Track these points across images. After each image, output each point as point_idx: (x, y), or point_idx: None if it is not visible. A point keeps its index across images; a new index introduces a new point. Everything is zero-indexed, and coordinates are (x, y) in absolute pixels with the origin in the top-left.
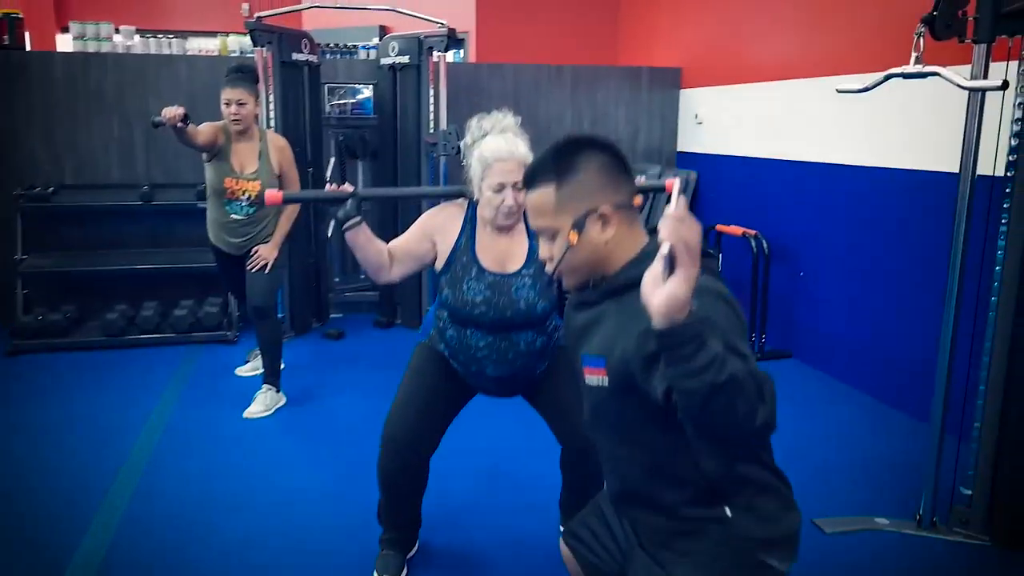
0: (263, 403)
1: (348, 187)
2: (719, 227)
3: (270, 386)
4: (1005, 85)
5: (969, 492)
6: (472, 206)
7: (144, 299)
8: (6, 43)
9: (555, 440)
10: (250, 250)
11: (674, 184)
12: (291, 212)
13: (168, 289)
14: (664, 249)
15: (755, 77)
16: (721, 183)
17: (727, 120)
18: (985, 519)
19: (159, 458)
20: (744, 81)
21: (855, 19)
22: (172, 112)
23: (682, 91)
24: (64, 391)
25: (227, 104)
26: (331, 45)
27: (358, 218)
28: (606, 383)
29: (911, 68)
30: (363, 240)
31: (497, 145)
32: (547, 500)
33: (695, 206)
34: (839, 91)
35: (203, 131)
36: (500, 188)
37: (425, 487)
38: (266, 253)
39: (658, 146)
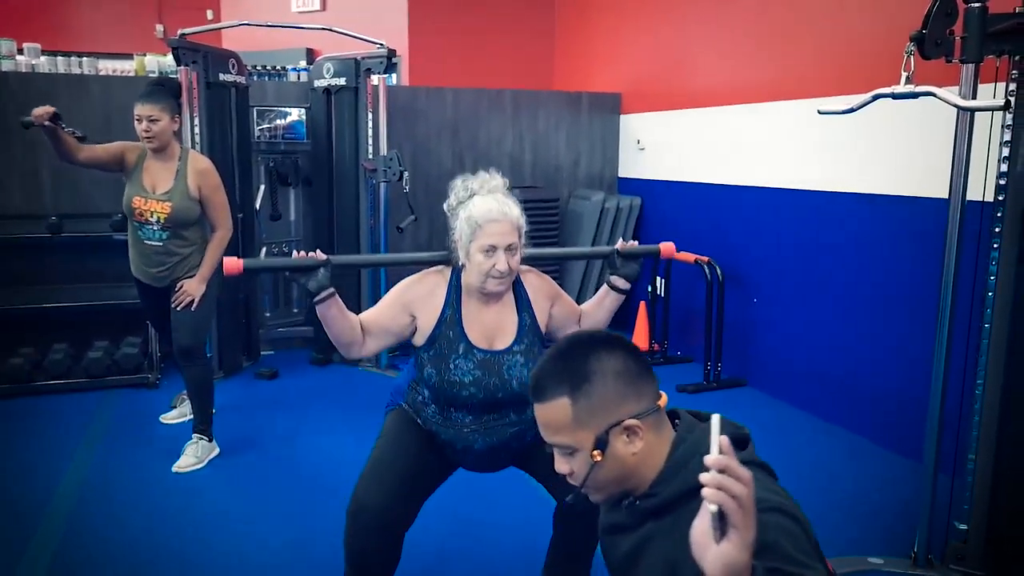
0: (194, 455)
1: (320, 255)
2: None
3: (201, 435)
4: (1007, 105)
5: (965, 527)
6: (456, 274)
7: (53, 341)
8: None
9: (535, 488)
10: (173, 283)
11: (713, 425)
12: (220, 241)
13: (80, 329)
14: (711, 507)
15: (698, 103)
16: (667, 209)
17: (671, 146)
18: (982, 554)
19: (77, 525)
20: (687, 107)
21: (793, 47)
22: (40, 110)
23: (622, 116)
24: None
25: (138, 120)
26: (258, 67)
27: (331, 289)
28: None
29: (902, 88)
30: (335, 313)
31: (488, 205)
32: (527, 549)
33: (639, 232)
34: (821, 112)
35: (103, 148)
36: (491, 250)
37: (398, 562)
38: (191, 288)
39: (599, 172)
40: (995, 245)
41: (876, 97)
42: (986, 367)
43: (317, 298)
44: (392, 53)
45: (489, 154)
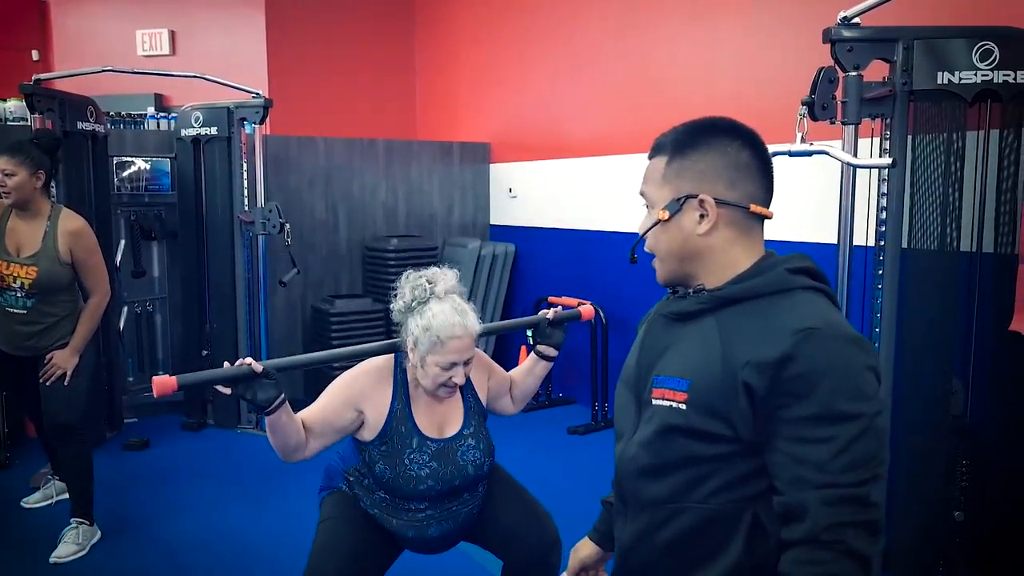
0: (75, 542)
1: (254, 364)
2: (551, 299)
3: (81, 520)
4: (894, 163)
5: None
6: (400, 367)
7: None
8: None
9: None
10: (42, 355)
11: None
12: (95, 308)
13: None
14: None
15: (567, 153)
16: (542, 255)
17: (542, 193)
18: (880, 566)
19: None
20: (556, 157)
21: (672, 95)
22: None
23: (492, 165)
24: None
25: None
26: (111, 114)
27: (283, 397)
28: (684, 407)
29: (798, 146)
30: (285, 421)
31: (449, 319)
32: None
33: (515, 278)
34: None
35: None
36: (451, 367)
37: None
38: (62, 361)
39: (472, 219)
40: (879, 285)
41: (773, 155)
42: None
43: (270, 408)
44: (269, 102)
45: (364, 204)
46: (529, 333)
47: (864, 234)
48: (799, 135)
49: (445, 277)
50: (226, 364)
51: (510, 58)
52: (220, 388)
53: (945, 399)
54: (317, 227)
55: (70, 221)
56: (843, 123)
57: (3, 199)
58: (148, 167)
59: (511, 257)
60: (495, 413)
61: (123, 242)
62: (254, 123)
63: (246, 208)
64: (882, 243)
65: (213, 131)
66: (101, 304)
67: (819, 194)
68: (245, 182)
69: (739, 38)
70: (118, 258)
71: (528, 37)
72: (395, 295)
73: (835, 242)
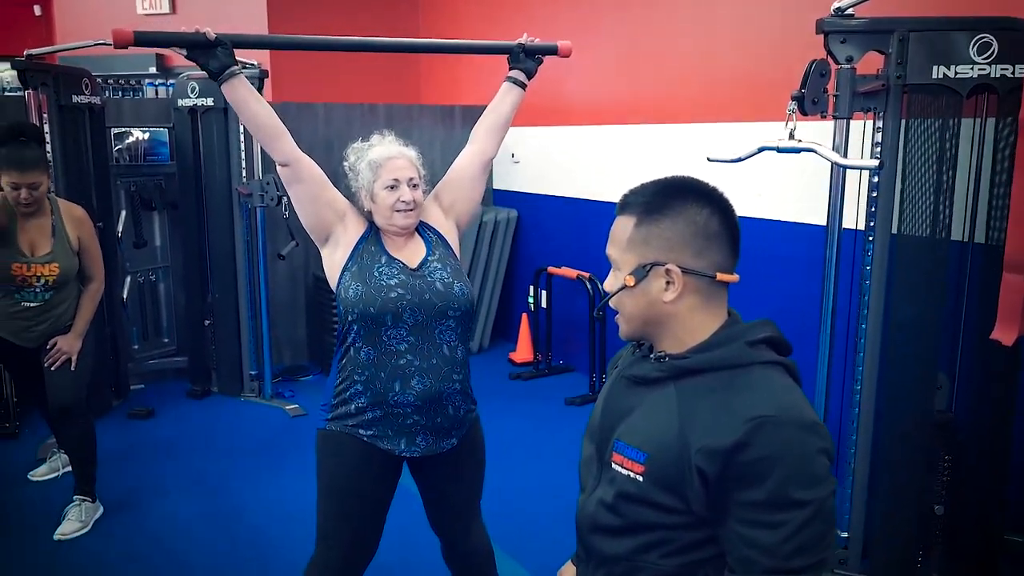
0: (78, 519)
1: (209, 32)
2: (550, 269)
3: (84, 497)
4: (881, 166)
5: (846, 535)
6: (370, 223)
7: None
8: None
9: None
10: (45, 342)
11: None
12: (95, 294)
13: None
14: None
15: (572, 120)
16: (544, 223)
17: (546, 160)
18: (861, 558)
19: None
20: (561, 123)
21: (676, 69)
22: None
23: None
24: None
25: (14, 188)
26: (109, 80)
27: (237, 66)
28: (640, 480)
29: (786, 143)
30: (244, 94)
31: (386, 148)
32: None
33: (517, 245)
34: (710, 160)
35: None
36: (394, 185)
37: None
38: (67, 345)
39: None
40: (867, 268)
41: (761, 150)
42: (862, 378)
43: (223, 75)
44: (265, 73)
45: None
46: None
47: (854, 216)
48: (788, 129)
49: (385, 137)
50: (184, 29)
51: (515, 22)
52: (175, 50)
53: (930, 393)
54: None
55: (74, 211)
56: (835, 117)
57: (25, 211)
58: (146, 137)
59: (513, 223)
60: (480, 179)
61: (124, 212)
62: None
63: (244, 180)
64: (872, 224)
65: (210, 102)
66: (100, 289)
67: (809, 174)
68: (243, 154)
69: (740, 12)
70: (119, 228)
71: (533, 2)
72: (344, 163)
73: (824, 224)
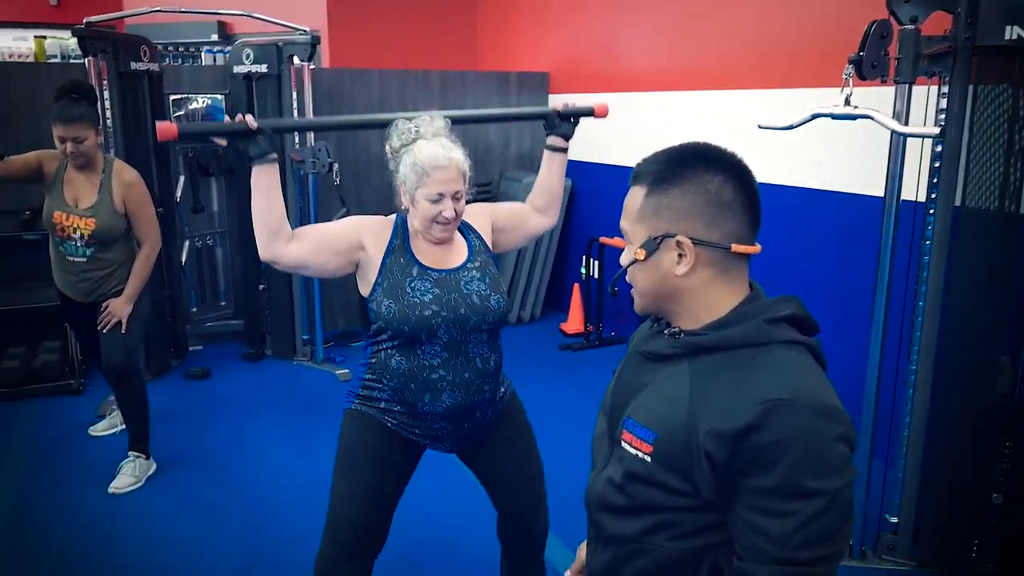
0: (131, 474)
1: (250, 120)
2: (602, 239)
3: (138, 453)
4: (942, 134)
5: (895, 520)
6: (400, 217)
7: None
8: None
9: (486, 506)
10: (100, 301)
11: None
12: (146, 258)
13: None
14: None
15: (629, 87)
16: (599, 193)
17: (602, 128)
18: (911, 545)
19: (10, 558)
20: (617, 90)
21: (722, 37)
22: None
23: (551, 96)
24: None
25: (60, 141)
26: (169, 48)
27: (274, 154)
28: (648, 460)
29: (841, 109)
30: (270, 183)
31: (434, 152)
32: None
33: (572, 215)
34: (760, 127)
35: (18, 161)
36: (439, 198)
37: None
38: (118, 309)
39: (529, 152)
40: (927, 243)
41: (815, 116)
42: (918, 359)
43: (261, 159)
44: (316, 39)
45: None
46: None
47: (915, 188)
48: (844, 95)
49: (434, 121)
50: (226, 118)
51: (572, 2)
52: (216, 139)
53: (992, 376)
54: (372, 161)
55: (125, 173)
56: (896, 82)
57: (75, 163)
58: (203, 104)
59: (567, 192)
60: (529, 238)
61: (182, 178)
62: (302, 60)
63: (297, 147)
64: (933, 196)
65: (263, 69)
66: (151, 254)
67: (867, 143)
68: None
69: None
70: (178, 194)
71: None
72: (386, 140)
73: (882, 195)
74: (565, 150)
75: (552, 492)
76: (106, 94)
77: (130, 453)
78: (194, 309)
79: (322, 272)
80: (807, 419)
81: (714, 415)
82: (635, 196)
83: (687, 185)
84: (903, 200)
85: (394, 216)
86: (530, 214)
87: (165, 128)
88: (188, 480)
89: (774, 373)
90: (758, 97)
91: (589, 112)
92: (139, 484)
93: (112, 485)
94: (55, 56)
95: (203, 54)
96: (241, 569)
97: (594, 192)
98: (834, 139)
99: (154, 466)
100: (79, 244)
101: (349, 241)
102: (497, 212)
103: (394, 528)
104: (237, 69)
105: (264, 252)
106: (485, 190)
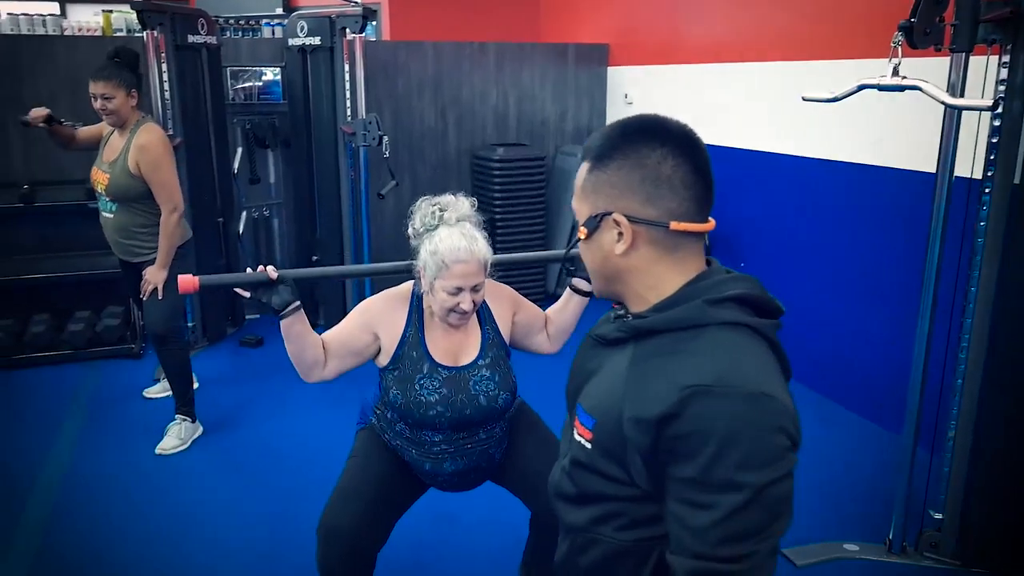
0: (177, 436)
1: (271, 271)
2: None
3: (184, 416)
4: (996, 105)
5: (940, 516)
6: (416, 295)
7: (33, 312)
8: None
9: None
10: (137, 264)
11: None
12: (166, 224)
13: (61, 300)
14: None
15: (691, 58)
16: None
17: (659, 101)
18: (956, 543)
19: (62, 513)
20: (676, 62)
21: (788, 6)
22: (35, 113)
23: (610, 69)
24: None
25: (93, 98)
26: (230, 21)
27: (298, 303)
28: (589, 447)
29: (888, 80)
30: (300, 329)
31: (455, 244)
32: (505, 547)
33: None
34: (805, 99)
35: (87, 131)
36: (457, 292)
37: (372, 574)
38: (152, 277)
39: (587, 126)
40: (981, 222)
41: (861, 87)
42: (969, 343)
43: (285, 311)
44: (367, 11)
45: (473, 110)
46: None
47: (970, 163)
48: (891, 65)
49: (458, 204)
50: (248, 270)
51: None
52: (239, 291)
53: None
54: (426, 134)
55: (142, 135)
56: (951, 50)
57: (107, 120)
58: (266, 80)
59: None
60: (529, 350)
61: (239, 150)
62: (354, 32)
63: (348, 118)
64: (990, 173)
65: (317, 41)
66: (168, 220)
67: (918, 116)
68: (348, 93)
69: None
70: (235, 165)
71: None
72: (409, 220)
73: (914, 168)
74: (589, 294)
75: None
76: (163, 66)
77: (176, 416)
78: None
79: (362, 363)
80: (731, 407)
81: (637, 401)
82: (580, 172)
83: (624, 160)
84: (956, 177)
85: (409, 290)
86: (541, 330)
87: (187, 281)
88: (232, 445)
89: (702, 357)
90: (821, 68)
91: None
92: (184, 446)
93: (158, 446)
94: (120, 30)
95: (263, 27)
96: (273, 537)
97: None
98: (899, 113)
99: (200, 429)
100: (107, 199)
101: (366, 337)
102: (521, 307)
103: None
104: (292, 42)
105: (306, 379)
106: (538, 165)
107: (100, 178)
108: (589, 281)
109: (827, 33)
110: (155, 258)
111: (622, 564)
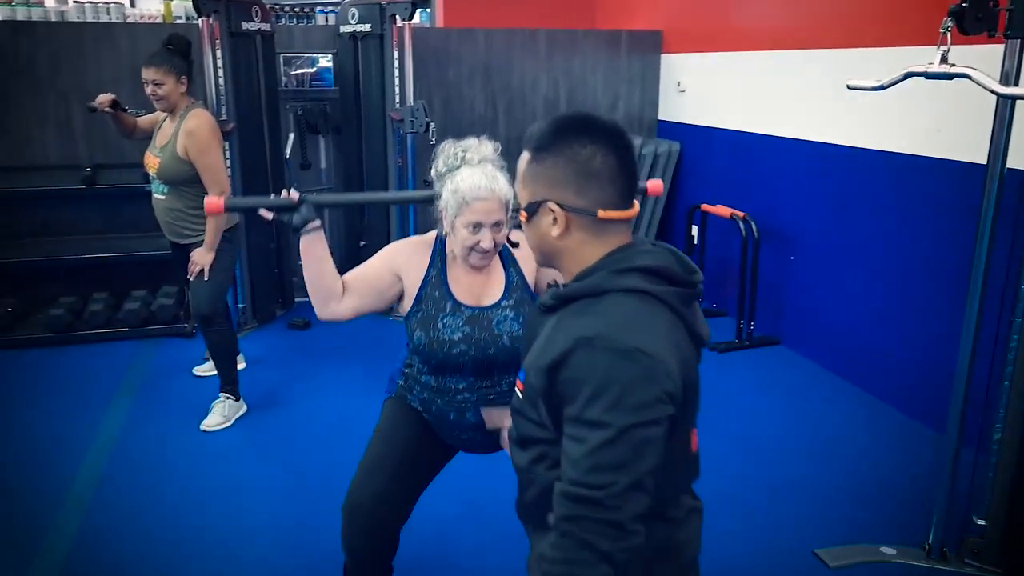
0: (221, 414)
1: (293, 194)
2: (704, 207)
3: (228, 395)
4: None
5: (983, 522)
6: (440, 240)
7: (92, 291)
8: None
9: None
10: (188, 246)
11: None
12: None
13: (119, 279)
14: None
15: (745, 45)
16: (706, 157)
17: (713, 89)
18: (1000, 551)
19: (108, 485)
20: (733, 48)
21: None
22: (101, 98)
23: (663, 56)
24: (5, 398)
25: (145, 84)
26: (285, 8)
27: (317, 223)
28: (520, 396)
29: (936, 67)
30: (319, 251)
31: (476, 181)
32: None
33: (678, 180)
34: (850, 87)
35: (147, 119)
36: (477, 228)
37: (396, 551)
38: (199, 258)
39: (638, 114)
40: None
41: (908, 76)
42: (1018, 342)
43: (305, 228)
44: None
45: (524, 97)
46: None
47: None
48: (940, 52)
49: (481, 147)
50: (272, 195)
51: None
52: (262, 213)
53: None
54: (476, 121)
55: (191, 120)
56: (1006, 36)
57: (157, 105)
58: (313, 63)
59: (675, 157)
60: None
61: (291, 136)
62: (404, 19)
63: (397, 105)
64: None
65: (367, 28)
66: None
67: (969, 106)
68: (396, 79)
69: None
70: (288, 151)
71: None
72: (433, 162)
73: (970, 160)
74: None
75: None
76: (218, 53)
77: (220, 394)
78: (300, 262)
79: (381, 308)
80: (606, 357)
81: (541, 354)
82: (522, 161)
83: (559, 155)
84: (1009, 169)
85: (434, 236)
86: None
87: (212, 203)
88: (274, 424)
89: (596, 316)
90: (879, 56)
91: (642, 190)
92: (228, 424)
93: (203, 423)
94: (180, 17)
95: (316, 14)
96: (304, 514)
97: (702, 157)
98: (953, 102)
99: (244, 407)
100: (158, 183)
101: (389, 277)
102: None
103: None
104: (343, 29)
105: (321, 314)
106: None
107: (152, 162)
108: None
109: (887, 18)
110: (203, 240)
111: (551, 501)
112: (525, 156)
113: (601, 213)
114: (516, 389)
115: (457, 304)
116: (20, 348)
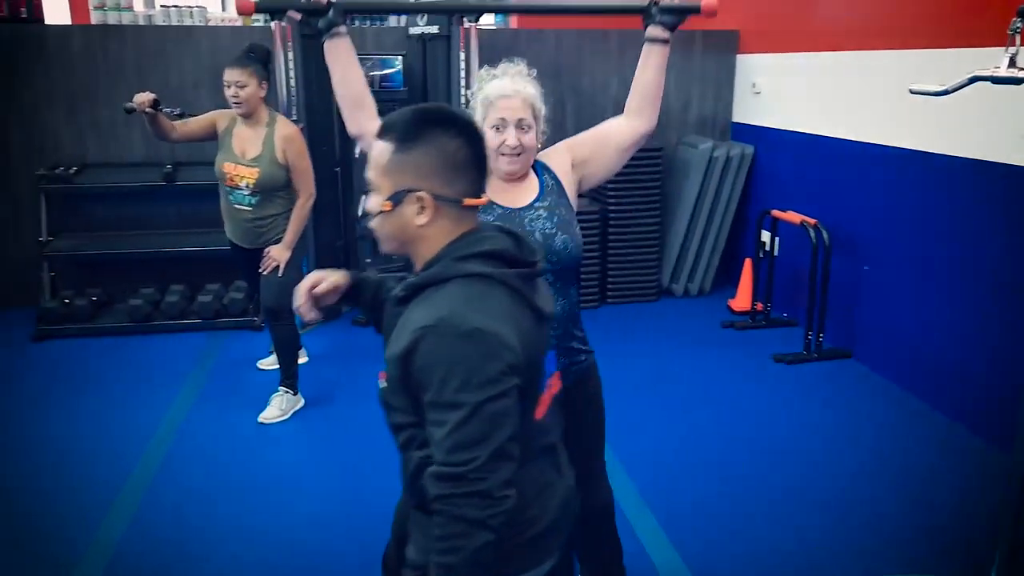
0: (278, 407)
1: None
2: (775, 213)
3: (286, 389)
4: None
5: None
6: None
7: (171, 282)
8: (24, 16)
9: None
10: (262, 247)
11: None
12: (302, 208)
13: (195, 272)
14: None
15: (822, 45)
16: (779, 161)
17: (789, 91)
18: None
19: (168, 467)
20: (810, 49)
21: None
22: (142, 97)
23: (739, 57)
24: (85, 382)
25: (227, 86)
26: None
27: (344, 28)
28: (385, 387)
29: (1004, 71)
30: (344, 55)
31: (501, 84)
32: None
33: (748, 185)
34: (912, 92)
35: (197, 121)
36: (502, 125)
37: None
38: (277, 254)
39: (711, 116)
40: None
41: (973, 80)
42: None
43: (330, 31)
44: None
45: (593, 99)
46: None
47: None
48: (1008, 56)
49: (513, 66)
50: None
51: None
52: (291, 14)
53: None
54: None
55: (285, 127)
56: None
57: (236, 108)
58: (385, 64)
59: (747, 161)
60: (628, 149)
61: None
62: (471, 21)
63: (463, 107)
64: None
65: (435, 29)
66: (307, 204)
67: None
68: (463, 81)
69: None
70: (357, 151)
71: None
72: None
73: None
74: (666, 41)
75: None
76: (290, 55)
77: (279, 387)
78: (368, 260)
79: None
80: (450, 342)
81: (393, 344)
82: (382, 150)
83: (429, 146)
84: None
85: None
86: (617, 124)
87: (243, 3)
88: (329, 420)
89: (435, 305)
90: (969, 56)
91: (696, 9)
92: (285, 417)
93: (261, 415)
94: (259, 21)
95: (390, 17)
96: (344, 512)
97: (775, 161)
98: (974, 101)
99: (301, 402)
100: (246, 193)
101: None
102: (576, 143)
103: None
104: (412, 30)
105: (350, 126)
106: (654, 156)
107: (243, 173)
108: (669, 28)
109: (980, 18)
110: (278, 239)
111: (424, 475)
112: (388, 146)
113: (466, 201)
114: (380, 379)
115: (490, 203)
116: (102, 336)
